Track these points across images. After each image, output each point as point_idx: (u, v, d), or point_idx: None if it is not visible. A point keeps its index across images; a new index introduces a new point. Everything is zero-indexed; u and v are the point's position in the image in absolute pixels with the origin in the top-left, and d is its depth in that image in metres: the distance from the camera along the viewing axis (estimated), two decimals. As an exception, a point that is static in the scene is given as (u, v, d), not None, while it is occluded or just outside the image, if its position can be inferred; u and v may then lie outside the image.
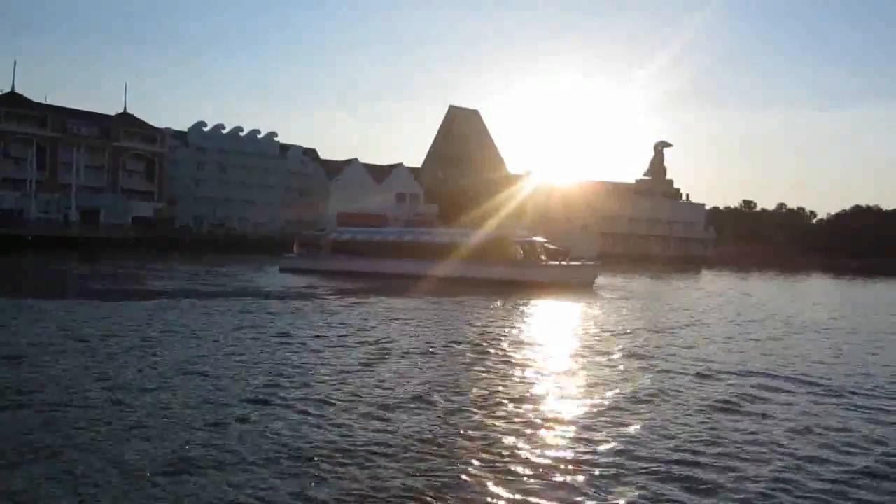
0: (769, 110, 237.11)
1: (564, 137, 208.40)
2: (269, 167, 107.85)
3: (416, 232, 46.85)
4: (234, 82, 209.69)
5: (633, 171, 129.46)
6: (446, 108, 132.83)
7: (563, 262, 42.71)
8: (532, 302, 30.51)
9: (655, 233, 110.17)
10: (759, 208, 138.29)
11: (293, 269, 44.41)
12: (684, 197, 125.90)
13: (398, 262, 42.77)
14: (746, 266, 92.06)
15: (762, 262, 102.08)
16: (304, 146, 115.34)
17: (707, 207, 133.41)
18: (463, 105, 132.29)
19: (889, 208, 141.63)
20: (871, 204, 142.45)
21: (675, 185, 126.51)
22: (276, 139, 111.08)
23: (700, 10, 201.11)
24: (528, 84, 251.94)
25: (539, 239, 44.62)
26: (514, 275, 40.26)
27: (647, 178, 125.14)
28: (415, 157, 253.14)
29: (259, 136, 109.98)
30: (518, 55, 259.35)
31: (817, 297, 45.44)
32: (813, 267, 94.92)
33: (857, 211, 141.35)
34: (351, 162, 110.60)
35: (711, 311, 28.61)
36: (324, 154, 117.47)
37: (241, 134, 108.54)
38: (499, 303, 29.17)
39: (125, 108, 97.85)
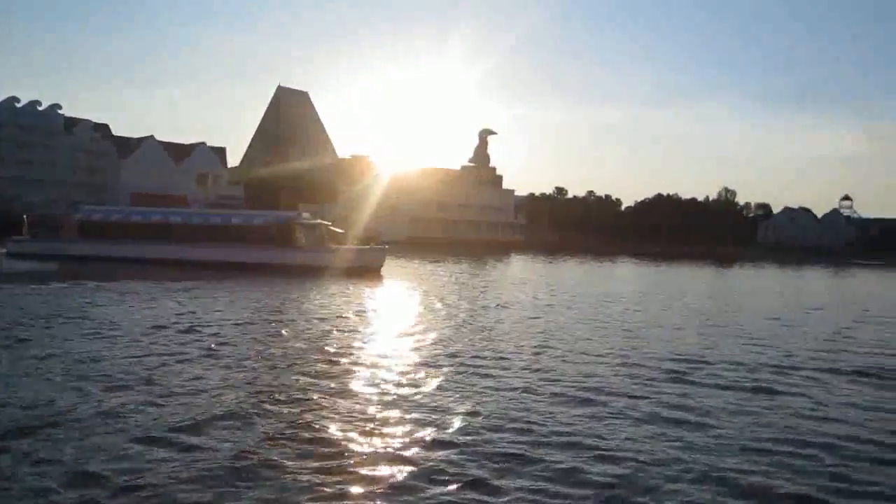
0: (589, 104, 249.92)
1: (398, 124, 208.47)
2: (52, 143, 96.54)
3: (187, 213, 42.15)
4: (13, 47, 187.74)
5: (462, 158, 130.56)
6: (274, 89, 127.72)
7: (349, 246, 40.55)
8: (304, 287, 27.62)
9: (466, 218, 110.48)
10: (570, 195, 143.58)
11: (24, 254, 37.77)
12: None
13: (161, 246, 38.02)
14: (556, 251, 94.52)
15: (572, 248, 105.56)
16: (96, 121, 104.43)
17: (524, 194, 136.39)
18: (293, 86, 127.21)
19: (687, 197, 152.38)
20: (672, 193, 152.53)
21: (499, 173, 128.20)
22: (60, 112, 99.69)
23: (533, 7, 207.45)
24: (362, 70, 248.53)
25: (324, 222, 41.64)
26: (295, 259, 37.77)
27: (471, 164, 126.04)
28: (226, 137, 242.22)
29: (40, 109, 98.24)
30: (354, 41, 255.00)
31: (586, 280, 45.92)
32: (618, 252, 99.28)
33: (659, 199, 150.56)
34: (147, 139, 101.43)
35: (461, 301, 26.31)
36: (119, 131, 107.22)
37: (18, 105, 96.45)
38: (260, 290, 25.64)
39: None
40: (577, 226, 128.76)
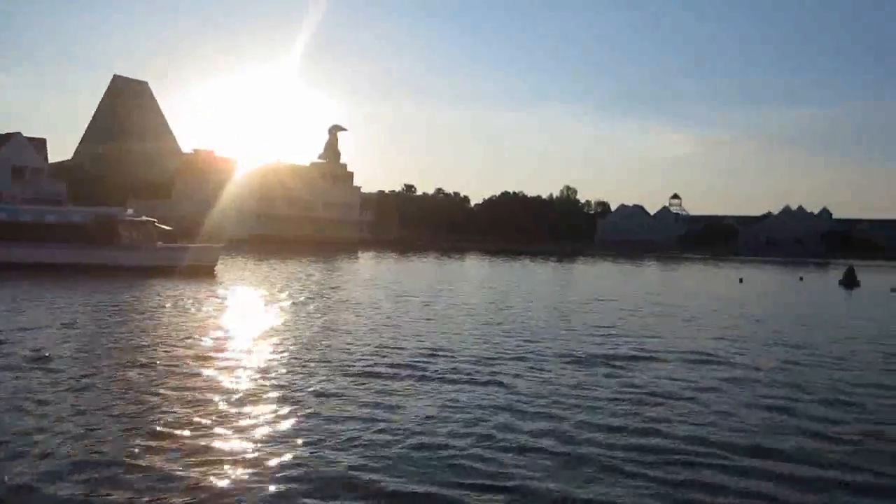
0: (438, 105, 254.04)
1: (248, 119, 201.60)
2: None
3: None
4: None
5: (314, 154, 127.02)
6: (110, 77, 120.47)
7: (180, 245, 38.67)
8: (113, 288, 25.37)
9: (312, 214, 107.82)
10: (419, 192, 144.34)
11: None
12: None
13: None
14: (404, 248, 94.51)
15: (421, 245, 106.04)
16: None
17: (374, 191, 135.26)
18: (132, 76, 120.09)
19: (532, 195, 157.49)
20: (517, 191, 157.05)
21: (350, 169, 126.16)
22: None
23: (382, 8, 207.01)
24: (209, 64, 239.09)
25: (151, 219, 38.88)
26: (117, 259, 35.15)
27: (322, 161, 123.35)
28: (47, 128, 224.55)
29: None
30: (200, 33, 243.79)
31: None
32: (466, 249, 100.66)
33: (505, 197, 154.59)
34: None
35: (290, 300, 25.29)
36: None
37: None
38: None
39: None
40: (426, 223, 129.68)
